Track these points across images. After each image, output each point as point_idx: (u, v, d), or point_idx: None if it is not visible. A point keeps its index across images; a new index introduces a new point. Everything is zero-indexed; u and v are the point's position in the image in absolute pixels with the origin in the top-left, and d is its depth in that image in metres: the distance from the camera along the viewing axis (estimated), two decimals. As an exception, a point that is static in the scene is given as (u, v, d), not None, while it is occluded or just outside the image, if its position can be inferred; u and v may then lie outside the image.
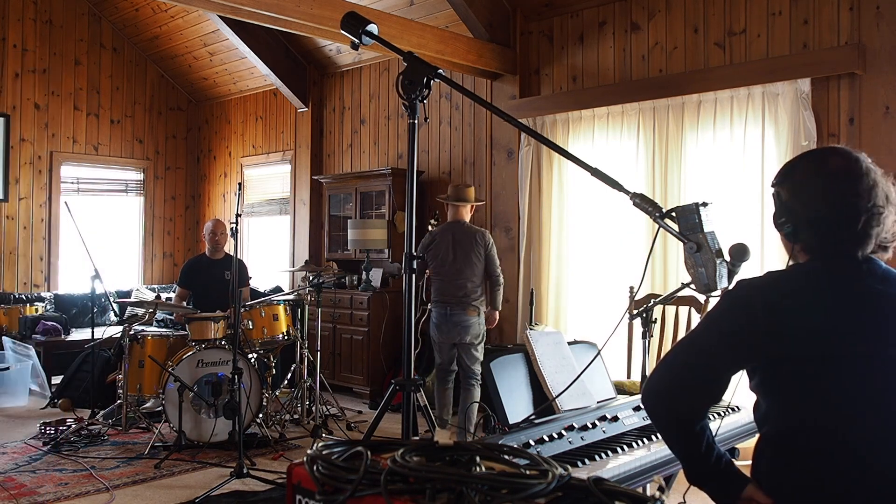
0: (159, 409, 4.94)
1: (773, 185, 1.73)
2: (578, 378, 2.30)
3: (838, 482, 1.56)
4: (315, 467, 1.19)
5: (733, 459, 1.75)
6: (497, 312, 5.17)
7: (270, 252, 8.40)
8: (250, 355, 5.05)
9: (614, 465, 1.99)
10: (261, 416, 5.00)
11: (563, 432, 2.08)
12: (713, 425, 2.28)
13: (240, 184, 4.76)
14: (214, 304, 5.45)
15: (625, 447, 2.12)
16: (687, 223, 1.73)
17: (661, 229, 1.80)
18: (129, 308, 7.27)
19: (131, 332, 5.03)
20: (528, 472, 1.12)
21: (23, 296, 7.56)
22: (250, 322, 5.20)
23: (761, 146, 4.62)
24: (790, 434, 1.61)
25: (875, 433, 1.56)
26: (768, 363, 1.63)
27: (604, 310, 5.26)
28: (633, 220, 5.04)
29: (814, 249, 1.68)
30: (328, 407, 5.65)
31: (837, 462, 1.56)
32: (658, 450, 2.13)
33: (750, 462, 1.71)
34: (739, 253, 1.79)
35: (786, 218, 1.68)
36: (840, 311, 1.61)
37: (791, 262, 1.76)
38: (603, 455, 2.03)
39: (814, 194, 1.65)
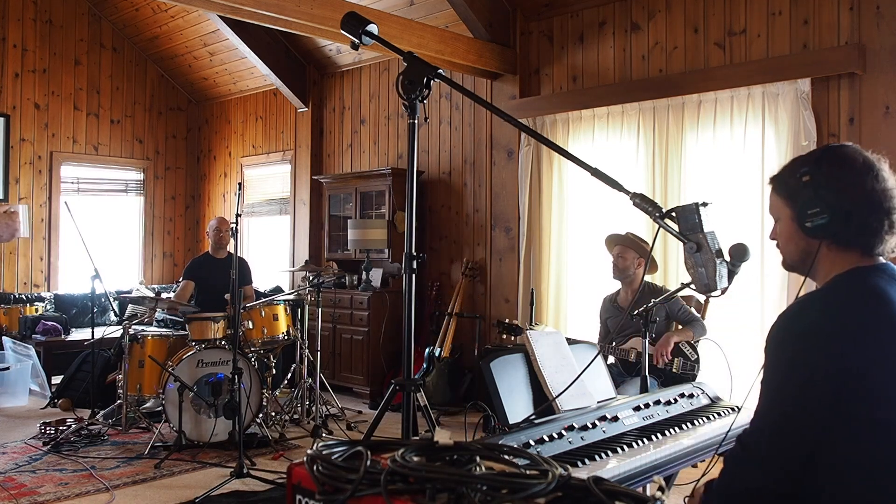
0: (159, 409, 4.94)
1: (799, 175, 1.65)
2: (578, 378, 2.30)
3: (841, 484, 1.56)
4: (315, 467, 1.19)
5: None
6: None
7: (270, 252, 8.40)
8: (250, 355, 5.05)
9: (614, 465, 1.99)
10: (261, 416, 5.00)
11: (563, 432, 2.08)
12: (713, 425, 2.28)
13: (240, 184, 4.76)
14: (218, 303, 5.45)
15: (625, 447, 2.12)
16: (687, 223, 1.73)
17: (661, 229, 1.80)
18: (129, 307, 7.28)
19: (131, 332, 5.03)
20: (528, 472, 1.12)
21: (23, 296, 7.57)
22: (250, 322, 5.20)
23: (761, 146, 4.62)
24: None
25: None
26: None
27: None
28: (633, 220, 5.04)
29: (850, 243, 1.63)
30: (328, 407, 5.65)
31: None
32: (658, 450, 2.13)
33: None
34: (739, 253, 1.79)
35: (821, 208, 1.60)
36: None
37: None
38: (603, 455, 2.03)
39: (852, 184, 1.60)
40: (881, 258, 1.64)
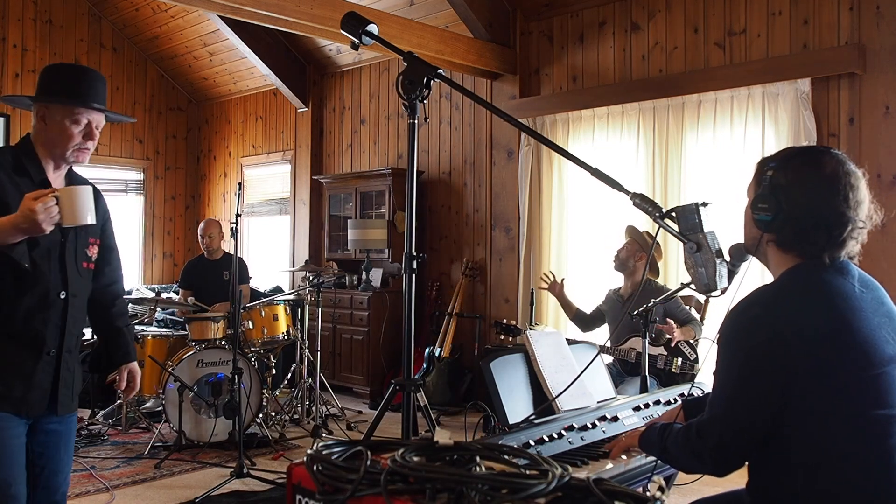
0: (159, 409, 4.94)
1: (765, 169, 1.71)
2: (578, 378, 2.30)
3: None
4: (315, 467, 1.19)
5: None
6: None
7: (270, 252, 8.40)
8: (250, 355, 5.05)
9: (614, 465, 1.99)
10: (261, 416, 5.00)
11: (563, 432, 2.08)
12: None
13: (240, 184, 4.76)
14: (214, 304, 5.46)
15: (625, 447, 2.12)
16: (687, 223, 1.73)
17: (661, 229, 1.80)
18: (129, 307, 7.27)
19: (131, 332, 5.02)
20: (528, 472, 1.12)
21: (23, 296, 7.55)
22: (250, 322, 5.20)
23: (761, 146, 4.63)
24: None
25: None
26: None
27: (604, 310, 5.27)
28: (633, 220, 5.04)
29: (788, 245, 1.67)
30: (328, 407, 5.65)
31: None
32: (658, 450, 2.13)
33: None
34: (739, 253, 1.79)
35: (768, 205, 1.66)
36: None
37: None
38: (603, 455, 2.03)
39: (805, 191, 1.64)
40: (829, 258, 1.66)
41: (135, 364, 2.50)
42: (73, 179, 2.32)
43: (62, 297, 2.18)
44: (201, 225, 5.88)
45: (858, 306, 1.60)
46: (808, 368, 1.54)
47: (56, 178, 2.26)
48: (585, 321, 4.63)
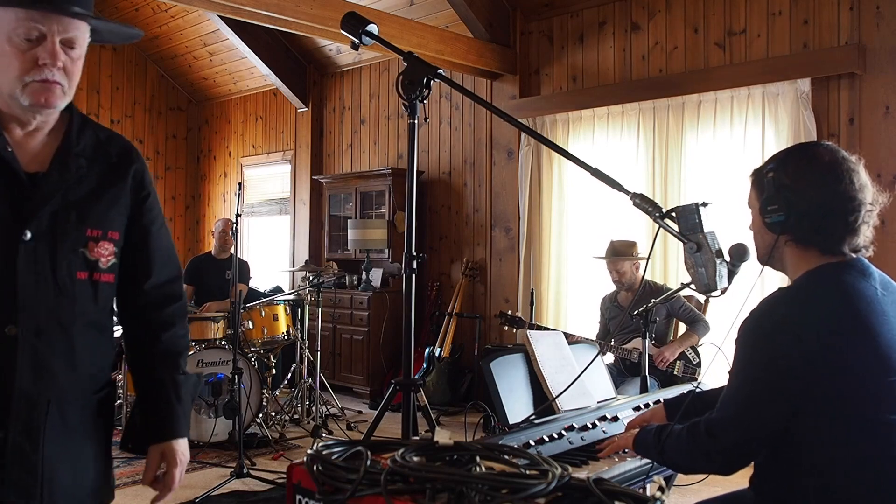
0: (159, 409, 4.93)
1: (766, 171, 1.70)
2: (578, 378, 2.30)
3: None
4: (315, 467, 1.19)
5: None
6: None
7: (270, 252, 8.40)
8: (250, 355, 5.05)
9: (614, 466, 1.99)
10: (261, 416, 5.00)
11: (563, 432, 2.08)
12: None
13: (240, 184, 4.76)
14: (206, 304, 5.47)
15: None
16: (687, 223, 1.73)
17: (661, 229, 1.80)
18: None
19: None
20: (528, 472, 1.12)
21: (23, 296, 7.54)
22: (250, 322, 5.20)
23: (761, 146, 4.63)
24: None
25: None
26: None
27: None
28: (633, 220, 5.04)
29: (807, 241, 1.66)
30: (328, 407, 5.65)
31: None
32: (658, 450, 2.13)
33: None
34: (739, 253, 1.79)
35: (779, 205, 1.64)
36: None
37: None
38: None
39: (811, 183, 1.63)
40: (851, 254, 1.65)
41: (173, 445, 1.61)
42: (78, 142, 1.41)
43: (10, 333, 1.32)
44: (221, 223, 5.80)
45: (881, 310, 1.59)
46: (827, 372, 1.53)
47: (25, 141, 1.38)
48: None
